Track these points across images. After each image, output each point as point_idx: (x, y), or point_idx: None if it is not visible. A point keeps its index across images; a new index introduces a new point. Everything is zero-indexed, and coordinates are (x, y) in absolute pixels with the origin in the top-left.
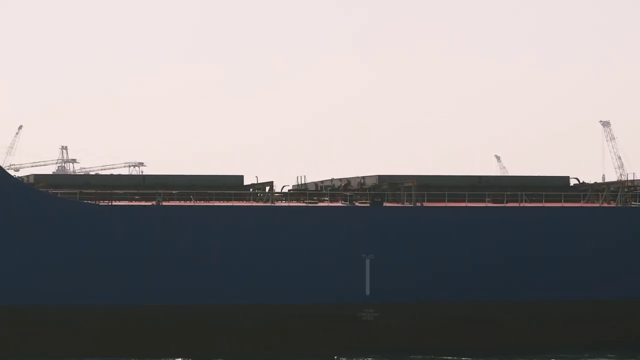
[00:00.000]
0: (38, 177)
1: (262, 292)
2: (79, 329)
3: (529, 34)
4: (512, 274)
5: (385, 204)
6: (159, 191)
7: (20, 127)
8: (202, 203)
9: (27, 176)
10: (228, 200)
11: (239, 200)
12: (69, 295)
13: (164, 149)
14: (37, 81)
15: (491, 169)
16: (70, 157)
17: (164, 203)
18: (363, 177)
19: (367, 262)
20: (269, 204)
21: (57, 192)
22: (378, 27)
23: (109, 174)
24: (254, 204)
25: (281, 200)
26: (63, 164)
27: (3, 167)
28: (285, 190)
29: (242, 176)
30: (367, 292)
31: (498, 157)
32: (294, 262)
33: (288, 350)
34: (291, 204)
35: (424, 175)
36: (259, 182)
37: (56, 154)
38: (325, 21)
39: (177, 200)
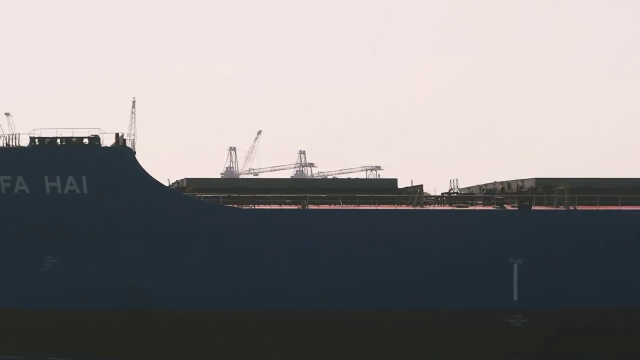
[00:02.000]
0: (190, 181)
1: (408, 296)
2: (222, 333)
3: None
4: None
5: (535, 208)
6: (307, 195)
7: (259, 132)
8: (349, 207)
9: (181, 180)
10: (376, 204)
11: (388, 203)
12: (206, 300)
13: (398, 153)
14: (278, 86)
15: None
16: (308, 161)
17: (311, 207)
18: (522, 180)
19: (515, 266)
20: (417, 208)
21: (201, 196)
22: None
23: (346, 177)
24: (402, 207)
25: (431, 204)
26: (301, 168)
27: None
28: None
29: (396, 179)
30: (515, 298)
31: None
32: (441, 265)
33: (434, 355)
34: (437, 208)
35: (583, 178)
36: (412, 185)
37: (294, 159)
38: None
39: (327, 204)
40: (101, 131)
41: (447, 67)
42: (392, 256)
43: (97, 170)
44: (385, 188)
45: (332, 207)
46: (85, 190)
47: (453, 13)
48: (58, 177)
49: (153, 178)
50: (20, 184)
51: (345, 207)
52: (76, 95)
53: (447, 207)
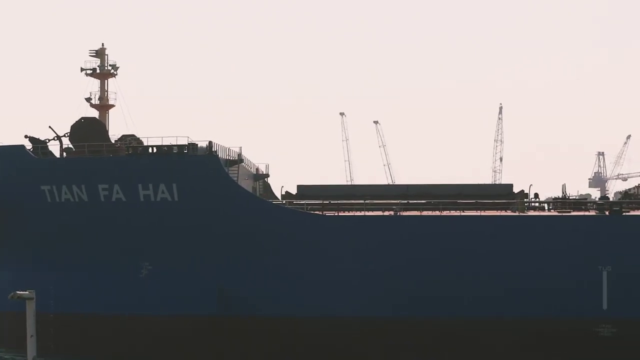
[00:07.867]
0: (300, 188)
1: (500, 304)
2: (308, 340)
3: None
4: None
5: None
6: (400, 201)
7: (629, 137)
8: (434, 213)
9: (299, 187)
10: (483, 210)
11: (494, 209)
12: (290, 307)
13: None
14: None
15: None
16: None
17: (402, 213)
18: None
19: (605, 274)
20: (516, 214)
21: (285, 202)
22: None
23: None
24: (503, 213)
25: (536, 210)
26: None
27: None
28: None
29: (512, 185)
30: (604, 307)
31: None
32: (528, 272)
33: None
34: (534, 214)
35: None
36: (526, 191)
37: None
38: None
39: (436, 210)
40: (190, 140)
41: None
42: (484, 263)
43: (186, 178)
44: (500, 193)
45: (419, 213)
46: (176, 198)
47: None
48: (150, 185)
49: (239, 185)
50: (117, 192)
51: (431, 213)
52: None
53: (547, 213)
